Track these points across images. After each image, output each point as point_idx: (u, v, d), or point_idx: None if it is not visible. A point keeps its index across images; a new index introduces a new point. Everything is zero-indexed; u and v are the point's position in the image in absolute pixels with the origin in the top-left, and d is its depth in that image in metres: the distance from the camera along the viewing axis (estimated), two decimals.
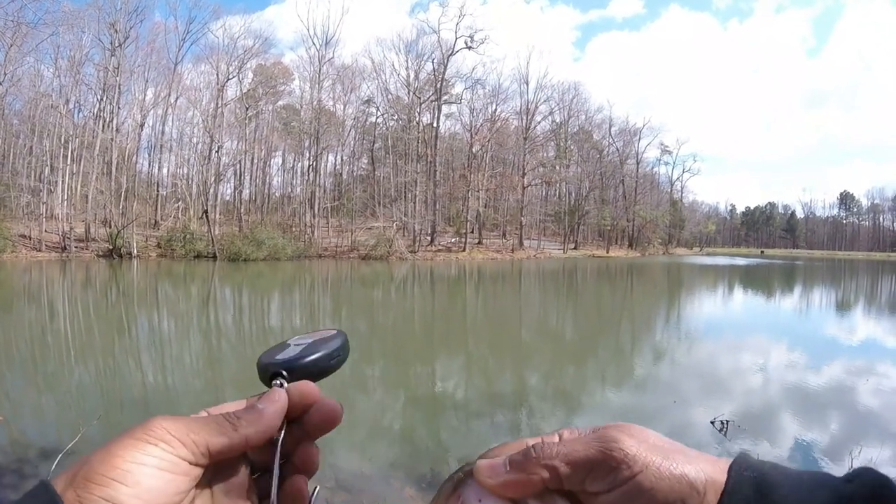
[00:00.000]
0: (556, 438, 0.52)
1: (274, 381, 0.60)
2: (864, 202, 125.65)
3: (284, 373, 0.61)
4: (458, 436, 8.07)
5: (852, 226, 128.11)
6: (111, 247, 31.23)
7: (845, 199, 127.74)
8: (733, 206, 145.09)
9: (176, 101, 47.78)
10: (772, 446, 7.66)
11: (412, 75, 56.32)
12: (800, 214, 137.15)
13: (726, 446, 7.61)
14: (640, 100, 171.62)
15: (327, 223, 51.55)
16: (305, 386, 0.60)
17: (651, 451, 0.46)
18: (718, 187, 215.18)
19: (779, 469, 0.47)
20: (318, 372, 0.63)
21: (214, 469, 0.55)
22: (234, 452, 0.55)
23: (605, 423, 0.51)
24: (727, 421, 8.32)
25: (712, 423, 8.41)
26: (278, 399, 0.58)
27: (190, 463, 0.50)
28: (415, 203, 52.91)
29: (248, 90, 51.54)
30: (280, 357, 0.62)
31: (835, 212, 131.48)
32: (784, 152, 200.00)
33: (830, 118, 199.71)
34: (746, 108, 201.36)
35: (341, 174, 63.29)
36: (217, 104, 46.45)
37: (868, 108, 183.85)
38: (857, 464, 6.74)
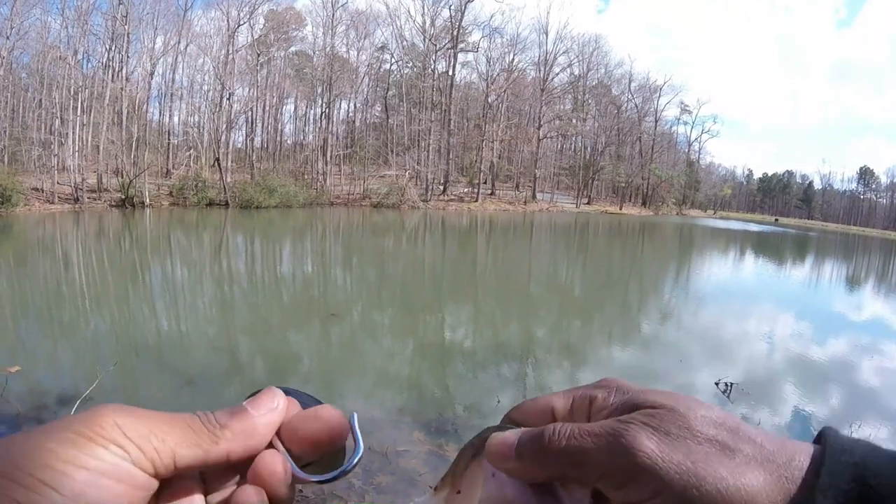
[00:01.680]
0: (587, 403, 0.45)
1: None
2: (884, 179, 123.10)
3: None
4: (465, 384, 8.21)
5: (869, 202, 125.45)
6: (123, 197, 31.31)
7: (864, 175, 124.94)
8: (750, 172, 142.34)
9: (186, 48, 47.05)
10: (772, 413, 7.73)
11: (428, 21, 55.07)
12: (817, 185, 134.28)
13: (730, 409, 7.69)
14: (663, 59, 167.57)
15: (339, 171, 51.31)
16: (324, 410, 0.46)
17: (684, 457, 0.37)
18: (737, 152, 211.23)
19: (879, 452, 0.38)
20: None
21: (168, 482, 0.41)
22: (207, 468, 0.42)
23: (647, 385, 0.45)
24: (731, 384, 8.39)
25: (716, 384, 8.49)
26: (276, 405, 0.45)
27: (148, 474, 0.38)
28: (428, 152, 52.46)
29: (260, 36, 50.60)
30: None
31: (853, 186, 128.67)
32: (806, 123, 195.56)
33: (855, 94, 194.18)
34: (771, 75, 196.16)
35: (354, 122, 62.70)
36: (228, 51, 45.73)
37: (894, 87, 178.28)
38: (856, 437, 6.78)
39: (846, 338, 13.04)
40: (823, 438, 0.40)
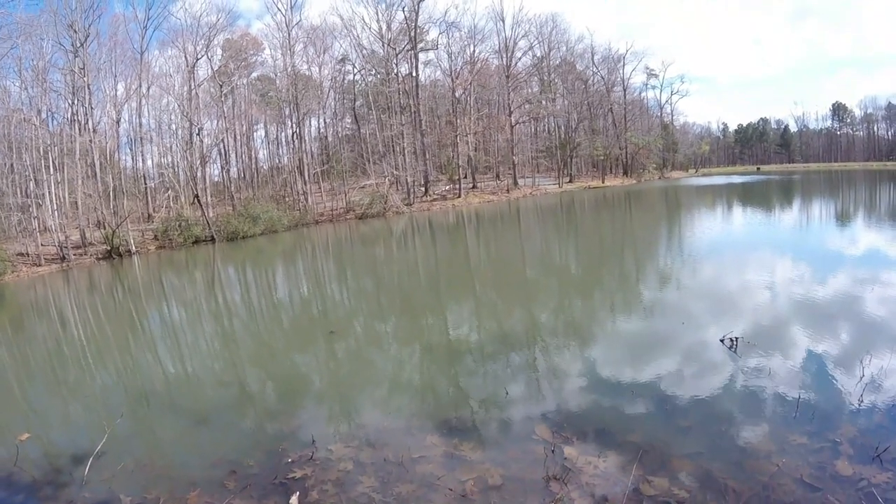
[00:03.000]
0: None
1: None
2: (858, 112, 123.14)
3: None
4: (474, 379, 8.21)
5: (847, 136, 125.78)
6: (109, 248, 31.06)
7: (838, 111, 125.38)
8: (725, 125, 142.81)
9: (148, 90, 46.81)
10: (784, 359, 7.78)
11: (384, 27, 54.81)
12: (793, 128, 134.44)
13: (739, 363, 7.74)
14: (623, 25, 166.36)
15: (319, 188, 51.13)
16: None
17: None
18: (709, 108, 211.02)
19: None
20: None
21: None
22: None
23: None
24: (737, 338, 8.45)
25: (721, 341, 8.54)
26: None
27: None
28: (404, 155, 52.34)
29: (220, 67, 50.35)
30: None
31: (828, 124, 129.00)
32: (773, 68, 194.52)
33: (817, 31, 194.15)
34: (731, 26, 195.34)
35: (327, 137, 62.51)
36: (190, 86, 45.49)
37: (856, 20, 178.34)
38: (868, 372, 6.87)
39: (845, 274, 13.12)
40: None
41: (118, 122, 45.25)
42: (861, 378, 6.73)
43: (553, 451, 5.62)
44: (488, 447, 5.92)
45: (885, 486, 4.63)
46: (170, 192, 43.16)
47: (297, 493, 5.08)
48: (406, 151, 52.49)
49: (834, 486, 4.72)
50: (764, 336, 8.71)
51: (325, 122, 62.08)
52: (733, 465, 5.18)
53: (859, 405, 6.16)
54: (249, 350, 11.55)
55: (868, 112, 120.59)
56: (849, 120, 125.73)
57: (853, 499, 4.52)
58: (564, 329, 10.73)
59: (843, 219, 26.05)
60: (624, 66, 79.05)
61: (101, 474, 5.84)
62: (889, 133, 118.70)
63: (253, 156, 57.43)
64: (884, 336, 8.40)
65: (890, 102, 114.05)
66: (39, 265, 28.58)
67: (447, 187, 56.37)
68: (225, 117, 49.76)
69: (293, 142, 51.96)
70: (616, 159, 78.27)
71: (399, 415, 7.04)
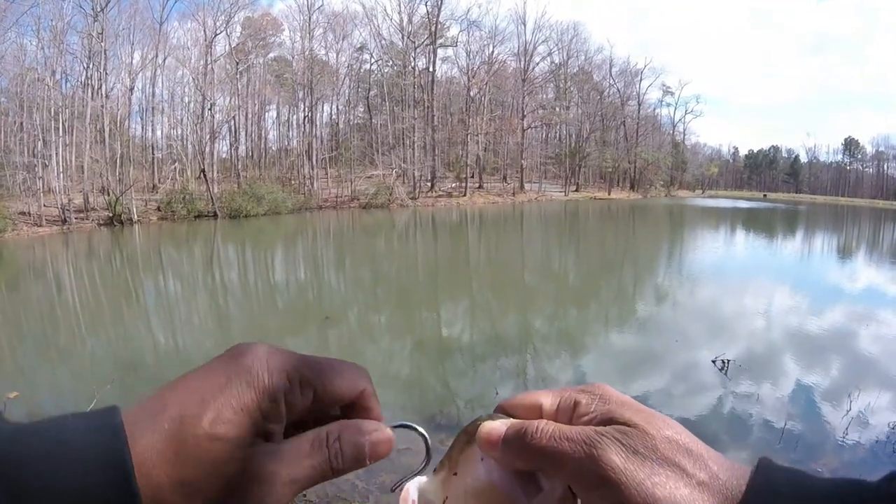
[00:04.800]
0: (572, 405, 0.48)
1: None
2: (869, 149, 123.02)
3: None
4: (464, 378, 8.23)
5: (856, 172, 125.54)
6: (111, 214, 31.06)
7: (849, 146, 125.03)
8: (736, 149, 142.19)
9: (164, 61, 46.54)
10: (773, 386, 7.79)
11: (405, 19, 54.82)
12: (803, 159, 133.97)
13: (728, 386, 7.75)
14: (642, 41, 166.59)
15: (326, 174, 51.08)
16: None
17: (646, 477, 0.40)
18: (721, 130, 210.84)
19: (809, 486, 0.43)
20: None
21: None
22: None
23: (623, 397, 0.47)
24: (728, 360, 8.45)
25: (713, 362, 8.55)
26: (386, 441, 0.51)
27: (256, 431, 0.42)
28: (413, 149, 52.28)
29: (238, 45, 50.16)
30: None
31: (839, 157, 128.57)
32: (788, 97, 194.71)
33: (836, 65, 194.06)
34: (751, 52, 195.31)
35: (338, 124, 62.30)
36: (206, 61, 45.32)
37: (873, 57, 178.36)
38: (856, 407, 6.87)
39: (839, 308, 13.14)
40: (754, 473, 0.42)
41: (131, 90, 45.10)
42: (848, 412, 6.73)
43: None
44: None
45: None
46: (177, 164, 43.12)
47: None
48: (415, 145, 52.45)
49: None
50: (755, 361, 8.73)
51: (337, 109, 61.91)
52: None
53: (843, 438, 6.17)
54: (242, 328, 11.55)
55: (879, 150, 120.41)
56: (860, 156, 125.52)
57: None
58: (557, 337, 10.74)
59: (843, 253, 26.06)
60: (641, 80, 78.79)
61: None
62: None
63: (263, 136, 57.28)
64: (874, 372, 8.42)
65: None
66: (41, 225, 28.63)
67: (453, 185, 56.28)
68: (238, 95, 49.71)
69: (304, 125, 51.90)
70: (624, 173, 78.10)
71: (386, 406, 6.97)
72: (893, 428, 6.41)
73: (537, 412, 0.50)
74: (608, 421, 0.45)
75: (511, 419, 0.49)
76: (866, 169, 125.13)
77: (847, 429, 6.34)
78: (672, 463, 0.41)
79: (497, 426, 0.48)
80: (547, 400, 0.50)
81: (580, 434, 0.43)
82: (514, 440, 0.46)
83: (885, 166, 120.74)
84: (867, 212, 70.35)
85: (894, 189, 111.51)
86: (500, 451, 0.47)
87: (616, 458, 0.41)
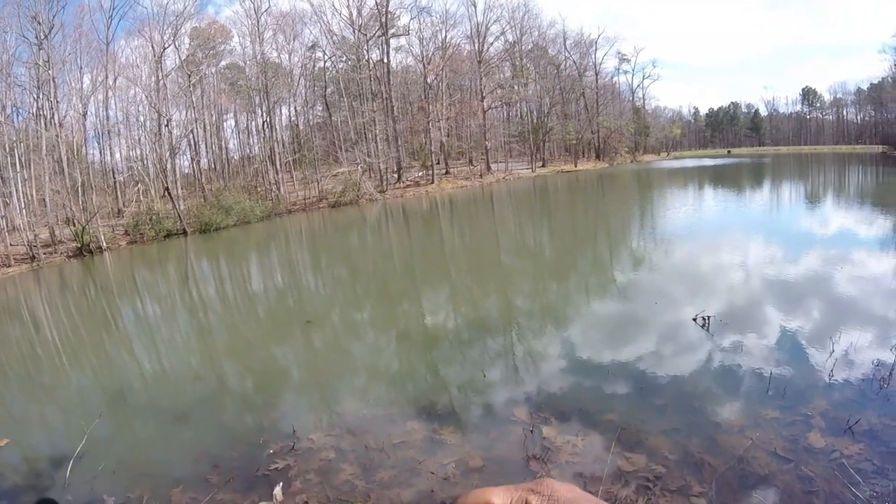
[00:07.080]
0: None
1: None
2: (827, 97, 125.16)
3: None
4: (452, 365, 8.26)
5: (816, 121, 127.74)
6: (79, 245, 30.34)
7: (808, 95, 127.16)
8: (696, 109, 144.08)
9: (115, 82, 45.49)
10: (756, 337, 7.94)
11: (355, 13, 54.18)
12: (763, 112, 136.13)
13: (712, 342, 7.89)
14: (598, 13, 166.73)
15: (292, 177, 50.63)
16: None
17: None
18: (680, 92, 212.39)
19: None
20: None
21: None
22: None
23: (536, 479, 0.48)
24: (709, 317, 8.60)
25: (694, 320, 8.69)
26: None
27: None
28: (376, 142, 51.95)
29: (188, 56, 49.18)
30: None
31: (798, 108, 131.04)
32: (745, 54, 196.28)
33: (790, 16, 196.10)
34: (705, 12, 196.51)
35: (298, 125, 61.70)
36: (158, 77, 44.42)
37: (826, 7, 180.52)
38: (839, 348, 7.04)
39: (815, 254, 13.41)
40: None
41: (85, 115, 44.04)
42: (832, 354, 6.90)
43: (532, 432, 5.70)
44: (468, 430, 5.97)
45: (857, 457, 4.78)
46: (139, 185, 42.34)
47: (281, 483, 5.08)
48: (378, 138, 52.11)
49: (807, 457, 4.86)
50: (736, 315, 8.89)
51: (295, 111, 61.32)
52: (708, 440, 5.30)
53: (830, 380, 6.33)
54: (226, 343, 11.45)
55: (838, 97, 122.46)
56: (818, 104, 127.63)
57: (825, 470, 4.65)
58: (540, 312, 10.82)
59: (812, 199, 26.57)
60: (596, 50, 79.26)
61: (83, 476, 5.75)
62: (858, 117, 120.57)
63: (223, 146, 56.48)
64: (853, 313, 8.63)
65: (859, 88, 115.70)
66: (9, 266, 27.88)
67: (420, 173, 56.18)
68: (194, 107, 48.86)
69: (264, 131, 51.32)
70: (588, 143, 78.69)
71: (378, 402, 7.06)
72: (878, 365, 6.58)
73: None
74: None
75: None
76: (826, 116, 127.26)
77: (833, 370, 6.50)
78: None
79: None
80: (498, 500, 0.50)
81: None
82: None
83: (844, 112, 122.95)
84: (830, 157, 71.79)
85: (855, 133, 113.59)
86: None
87: None
